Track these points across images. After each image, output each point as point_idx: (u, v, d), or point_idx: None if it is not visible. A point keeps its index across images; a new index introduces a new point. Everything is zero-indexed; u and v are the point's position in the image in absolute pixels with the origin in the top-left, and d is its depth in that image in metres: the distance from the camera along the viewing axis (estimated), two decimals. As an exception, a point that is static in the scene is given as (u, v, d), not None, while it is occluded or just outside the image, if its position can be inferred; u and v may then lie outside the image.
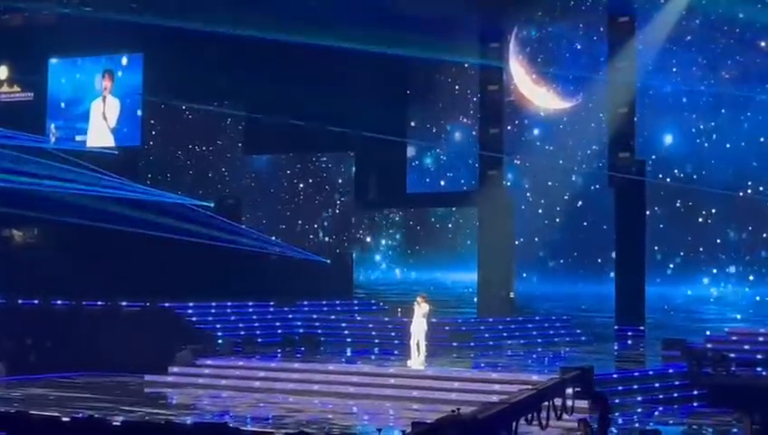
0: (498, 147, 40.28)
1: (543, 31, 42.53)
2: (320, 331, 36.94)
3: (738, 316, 38.06)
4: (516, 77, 42.41)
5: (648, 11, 38.87)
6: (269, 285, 38.95)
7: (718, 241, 40.13)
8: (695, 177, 40.42)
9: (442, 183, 45.02)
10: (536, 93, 42.71)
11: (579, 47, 41.95)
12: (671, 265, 40.27)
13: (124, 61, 42.72)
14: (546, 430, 12.98)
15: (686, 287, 40.03)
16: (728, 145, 40.27)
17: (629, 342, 36.38)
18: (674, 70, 40.45)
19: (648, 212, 39.53)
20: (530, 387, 13.34)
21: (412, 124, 45.00)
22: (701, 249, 40.39)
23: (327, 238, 46.22)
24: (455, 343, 34.47)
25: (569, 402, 14.20)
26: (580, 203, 42.15)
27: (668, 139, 40.98)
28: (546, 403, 12.87)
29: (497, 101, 40.42)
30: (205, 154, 46.66)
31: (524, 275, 42.08)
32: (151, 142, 45.26)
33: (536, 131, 43.49)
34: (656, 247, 39.81)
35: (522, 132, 43.78)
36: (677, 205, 40.69)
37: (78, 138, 43.12)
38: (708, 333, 32.99)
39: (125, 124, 42.93)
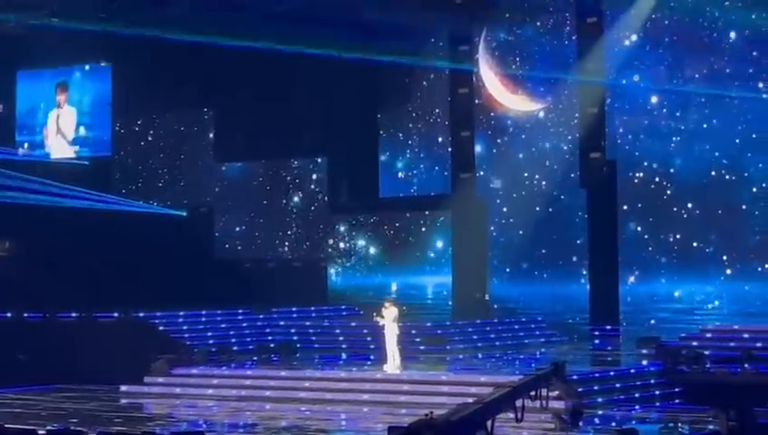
0: (470, 150, 40.26)
1: (512, 33, 42.66)
2: (295, 337, 36.87)
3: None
4: (486, 80, 42.50)
5: (616, 11, 39.01)
6: (243, 293, 38.87)
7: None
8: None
9: (414, 189, 45.11)
10: (506, 96, 42.84)
11: (548, 49, 42.09)
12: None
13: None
14: (521, 424, 13.13)
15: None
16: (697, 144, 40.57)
17: (604, 341, 36.44)
18: (643, 69, 40.67)
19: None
20: (504, 386, 13.44)
21: (383, 129, 45.01)
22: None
23: (300, 244, 46.23)
24: (429, 347, 34.44)
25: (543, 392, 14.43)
26: (552, 204, 42.31)
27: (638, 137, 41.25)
28: (520, 401, 13.03)
29: (468, 105, 40.40)
30: (176, 163, 46.59)
31: (498, 276, 42.16)
32: (122, 152, 45.13)
33: (507, 133, 43.63)
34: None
35: (493, 134, 43.91)
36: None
37: (46, 150, 43.03)
38: (683, 334, 33.07)
39: (95, 135, 42.76)
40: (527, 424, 13.72)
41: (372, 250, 46.04)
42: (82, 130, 42.60)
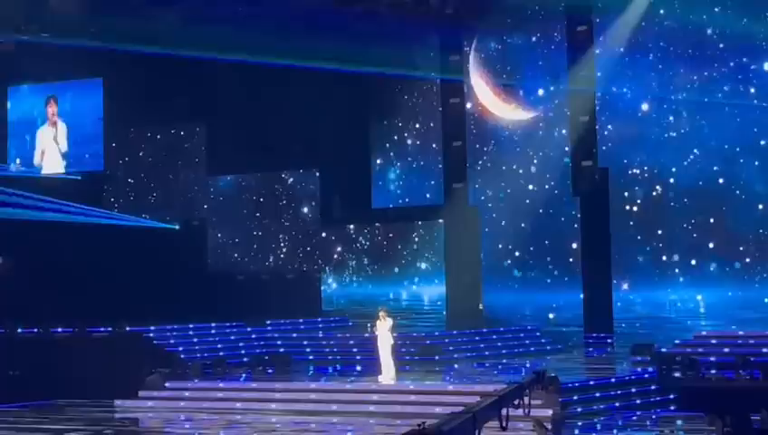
0: (462, 159, 40.31)
1: (503, 42, 42.72)
2: (289, 349, 36.84)
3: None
4: (477, 89, 42.55)
5: (607, 19, 39.10)
6: (237, 306, 38.87)
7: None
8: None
9: (407, 199, 45.13)
10: (497, 104, 42.90)
11: (538, 57, 42.17)
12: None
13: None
14: (506, 431, 13.22)
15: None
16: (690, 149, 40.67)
17: (598, 349, 36.47)
18: (633, 77, 40.76)
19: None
20: (490, 395, 13.55)
21: (375, 140, 45.04)
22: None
23: (293, 256, 46.22)
24: (424, 357, 34.47)
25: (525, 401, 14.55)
26: (544, 212, 42.35)
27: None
28: (505, 409, 13.16)
29: (459, 114, 40.45)
30: (168, 176, 46.58)
31: (492, 286, 42.15)
32: (114, 166, 45.11)
33: (499, 142, 43.68)
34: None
35: (484, 144, 43.97)
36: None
37: (37, 165, 43.00)
38: (678, 341, 33.07)
39: (87, 149, 42.75)
40: (511, 432, 13.80)
41: (366, 260, 46.02)
42: (73, 145, 42.57)
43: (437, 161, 42.69)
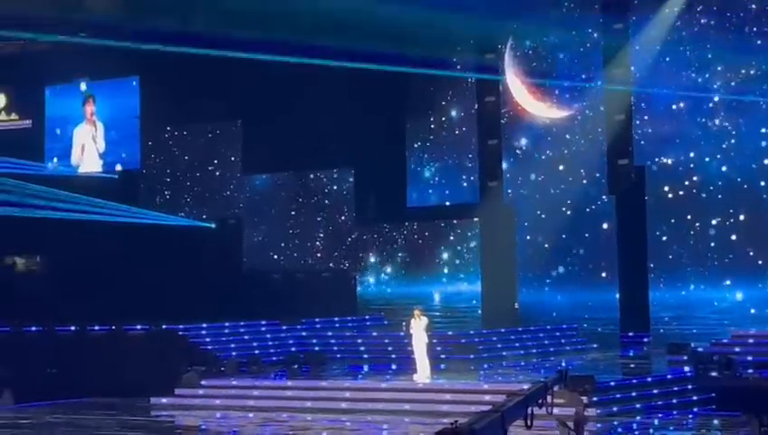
0: (497, 158, 40.27)
1: (538, 40, 42.61)
2: (324, 348, 36.89)
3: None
4: (512, 88, 42.46)
5: (643, 17, 38.93)
6: (272, 304, 38.94)
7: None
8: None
9: (443, 198, 45.08)
10: (533, 103, 42.78)
11: (574, 56, 42.02)
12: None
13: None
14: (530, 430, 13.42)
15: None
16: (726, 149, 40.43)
17: (634, 348, 36.36)
18: (670, 74, 40.54)
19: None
20: (516, 394, 13.69)
21: (411, 138, 45.03)
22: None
23: (329, 255, 46.27)
24: (459, 356, 34.44)
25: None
26: (580, 211, 42.19)
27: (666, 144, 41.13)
28: (530, 408, 13.36)
29: (494, 113, 40.41)
30: (204, 175, 46.74)
31: (527, 284, 42.06)
32: (150, 165, 45.32)
33: (534, 141, 43.56)
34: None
35: (520, 142, 43.87)
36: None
37: (74, 164, 43.27)
38: (714, 340, 32.87)
39: (124, 148, 42.99)
40: (535, 431, 13.95)
41: (402, 259, 46.01)
42: (110, 144, 42.82)
43: (472, 160, 42.64)
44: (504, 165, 41.28)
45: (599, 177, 40.65)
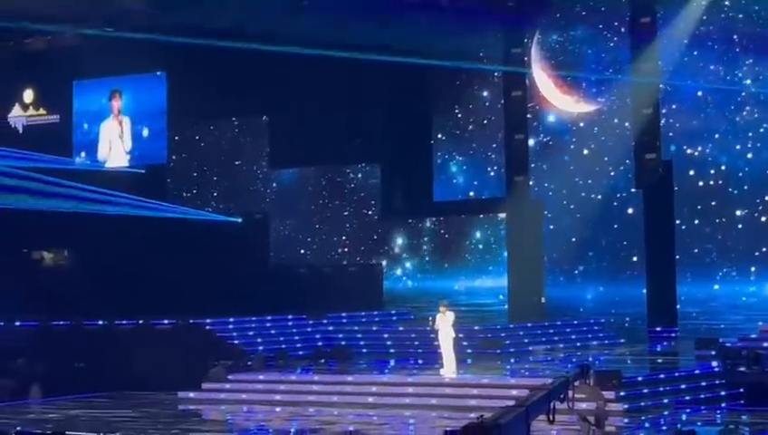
0: (524, 152, 40.16)
1: (565, 34, 42.49)
2: (350, 342, 36.88)
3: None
4: (539, 82, 42.36)
5: (670, 11, 38.76)
6: (299, 299, 38.98)
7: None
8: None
9: (470, 191, 45.05)
10: (559, 98, 42.69)
11: (600, 49, 41.90)
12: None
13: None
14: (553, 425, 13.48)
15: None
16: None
17: (662, 342, 36.24)
18: (697, 69, 40.41)
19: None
20: (539, 389, 13.71)
21: (437, 133, 45.00)
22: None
23: (355, 249, 46.29)
24: (486, 351, 34.39)
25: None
26: (607, 205, 42.10)
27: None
28: (552, 402, 13.41)
29: (521, 107, 40.29)
30: (231, 170, 46.82)
31: (554, 279, 41.99)
32: (177, 160, 45.41)
33: (561, 135, 43.47)
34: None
35: (547, 137, 43.79)
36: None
37: (101, 159, 43.42)
38: (743, 335, 32.70)
39: (150, 143, 43.07)
40: (557, 426, 13.98)
41: (429, 253, 45.99)
42: (137, 139, 42.92)
43: (499, 154, 42.55)
44: (531, 159, 41.16)
45: (623, 170, 40.53)
